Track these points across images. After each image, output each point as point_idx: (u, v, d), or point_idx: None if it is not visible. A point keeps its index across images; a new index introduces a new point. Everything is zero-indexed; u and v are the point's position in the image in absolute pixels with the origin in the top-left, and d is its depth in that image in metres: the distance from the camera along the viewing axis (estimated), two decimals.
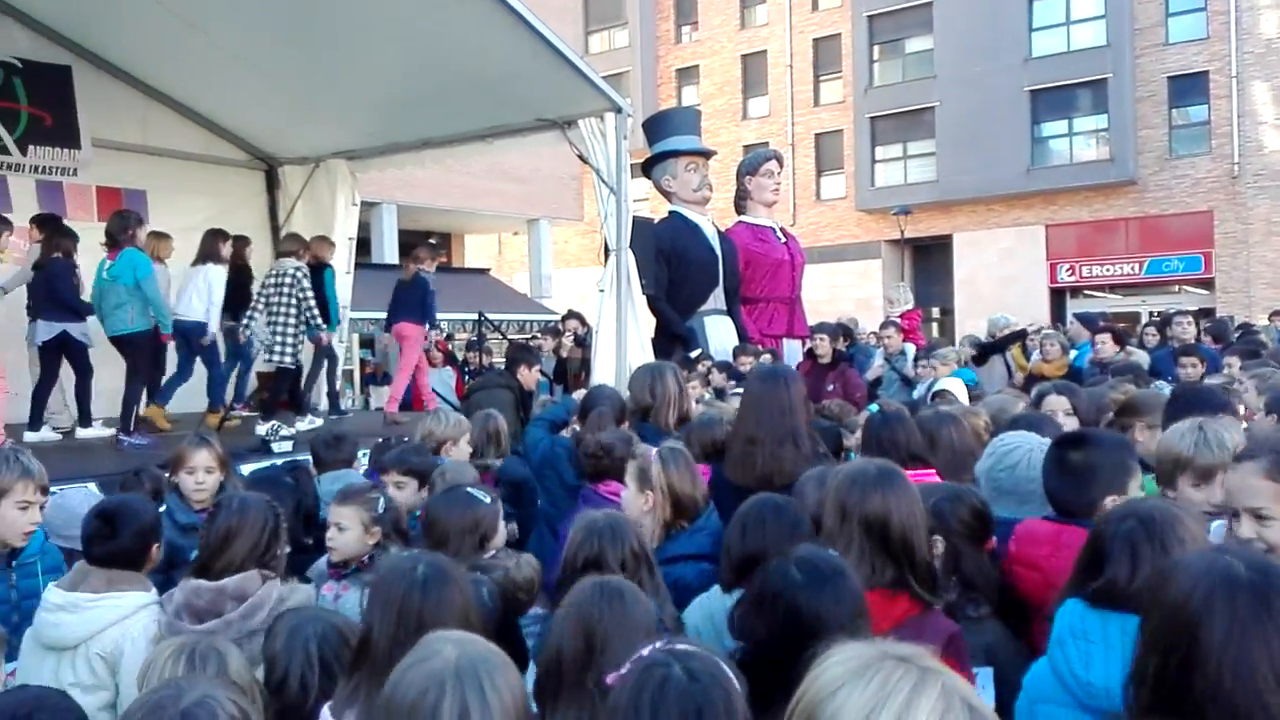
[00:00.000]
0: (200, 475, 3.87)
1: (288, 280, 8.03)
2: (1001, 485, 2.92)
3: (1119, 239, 26.66)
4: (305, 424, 8.01)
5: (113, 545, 2.93)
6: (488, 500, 3.23)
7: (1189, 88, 25.80)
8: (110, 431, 7.45)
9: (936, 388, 6.50)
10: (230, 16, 7.71)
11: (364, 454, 5.17)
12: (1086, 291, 27.64)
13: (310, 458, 4.83)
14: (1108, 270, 26.89)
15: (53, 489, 3.66)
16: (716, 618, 2.51)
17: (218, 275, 8.22)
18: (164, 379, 8.19)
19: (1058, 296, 27.53)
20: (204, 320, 8.09)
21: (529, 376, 7.18)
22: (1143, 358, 8.57)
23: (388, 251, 20.28)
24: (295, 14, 7.56)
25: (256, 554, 2.89)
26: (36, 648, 2.91)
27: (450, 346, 14.24)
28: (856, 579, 2.10)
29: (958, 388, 6.26)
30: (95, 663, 2.81)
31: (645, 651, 1.60)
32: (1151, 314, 22.10)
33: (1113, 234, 26.71)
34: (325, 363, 9.12)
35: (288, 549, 3.05)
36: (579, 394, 4.91)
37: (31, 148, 8.56)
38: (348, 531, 3.22)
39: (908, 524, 2.34)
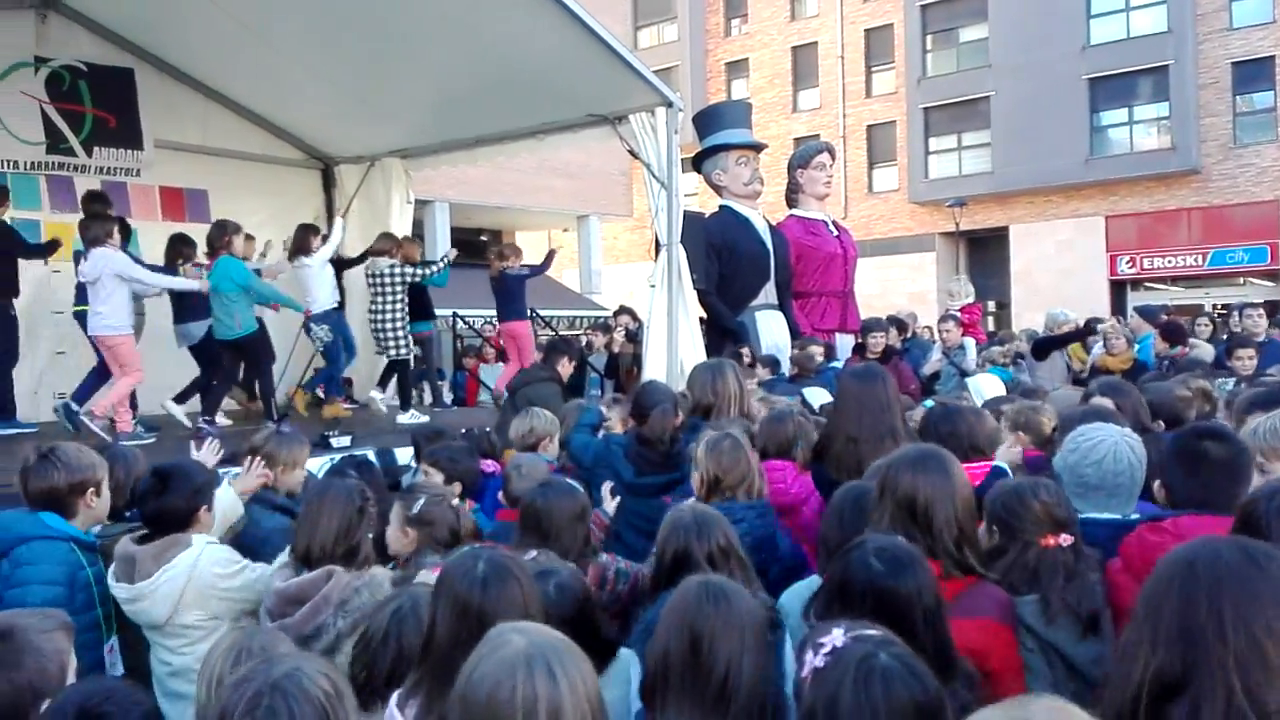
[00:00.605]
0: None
1: (385, 279, 8.31)
2: (1089, 480, 2.81)
3: (1181, 230, 26.01)
4: (408, 417, 8.27)
5: (164, 501, 3.07)
6: (580, 489, 3.28)
7: (1254, 73, 25.07)
8: (228, 421, 7.83)
9: (969, 383, 6.41)
10: (287, 18, 7.85)
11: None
12: (1148, 284, 27.01)
13: (373, 453, 4.98)
14: (1170, 262, 26.23)
15: None
16: None
17: (322, 256, 8.49)
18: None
19: (1118, 289, 26.94)
20: (329, 307, 8.46)
21: (566, 369, 7.41)
22: (1206, 351, 8.37)
23: (440, 249, 20.45)
24: (350, 15, 7.65)
25: (344, 535, 2.98)
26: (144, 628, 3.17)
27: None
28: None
29: (992, 384, 6.15)
30: (192, 624, 3.03)
31: (835, 642, 1.63)
32: (1215, 307, 21.54)
33: (1175, 225, 26.06)
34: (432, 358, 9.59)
35: (370, 534, 3.12)
36: (604, 400, 5.00)
37: (96, 149, 8.80)
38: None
39: (934, 503, 2.48)
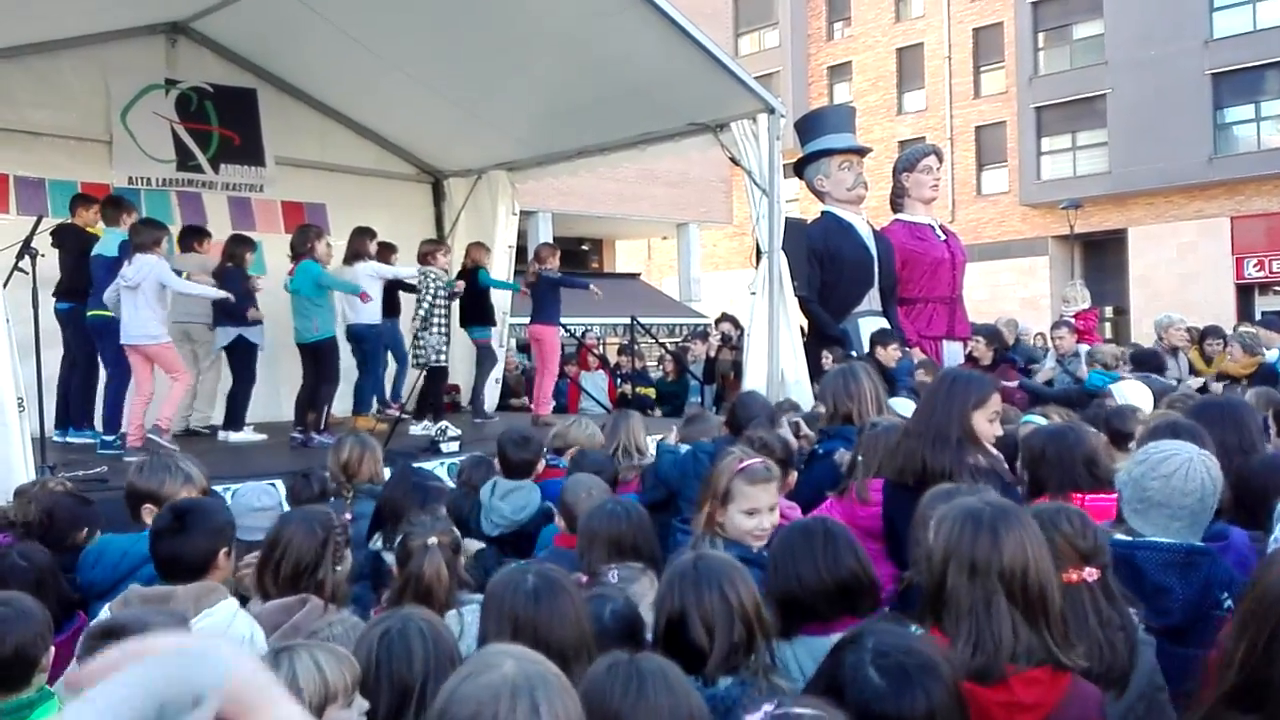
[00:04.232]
0: None
1: (421, 285, 8.33)
2: (1152, 495, 2.51)
3: None
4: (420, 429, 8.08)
5: (181, 541, 2.72)
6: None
7: None
8: (262, 436, 7.76)
9: (1114, 390, 6.04)
10: (402, 38, 8.12)
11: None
12: (1277, 288, 25.61)
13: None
14: None
15: (233, 487, 3.91)
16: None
17: (375, 268, 8.42)
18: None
19: (1245, 293, 25.61)
20: (375, 322, 8.39)
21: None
22: None
23: None
24: (461, 34, 7.88)
25: (308, 570, 2.74)
26: None
27: (602, 350, 14.51)
28: (953, 667, 1.72)
29: (1136, 391, 5.76)
30: None
31: (754, 717, 1.42)
32: None
33: None
34: (487, 364, 9.42)
35: (340, 568, 2.86)
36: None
37: (223, 166, 9.26)
38: None
39: (1044, 574, 1.93)
